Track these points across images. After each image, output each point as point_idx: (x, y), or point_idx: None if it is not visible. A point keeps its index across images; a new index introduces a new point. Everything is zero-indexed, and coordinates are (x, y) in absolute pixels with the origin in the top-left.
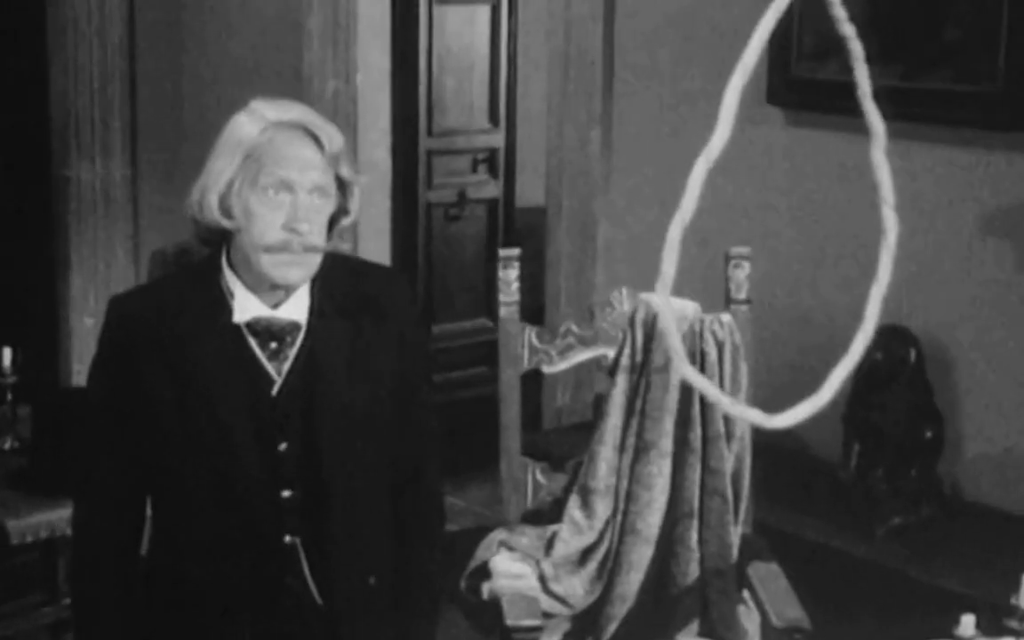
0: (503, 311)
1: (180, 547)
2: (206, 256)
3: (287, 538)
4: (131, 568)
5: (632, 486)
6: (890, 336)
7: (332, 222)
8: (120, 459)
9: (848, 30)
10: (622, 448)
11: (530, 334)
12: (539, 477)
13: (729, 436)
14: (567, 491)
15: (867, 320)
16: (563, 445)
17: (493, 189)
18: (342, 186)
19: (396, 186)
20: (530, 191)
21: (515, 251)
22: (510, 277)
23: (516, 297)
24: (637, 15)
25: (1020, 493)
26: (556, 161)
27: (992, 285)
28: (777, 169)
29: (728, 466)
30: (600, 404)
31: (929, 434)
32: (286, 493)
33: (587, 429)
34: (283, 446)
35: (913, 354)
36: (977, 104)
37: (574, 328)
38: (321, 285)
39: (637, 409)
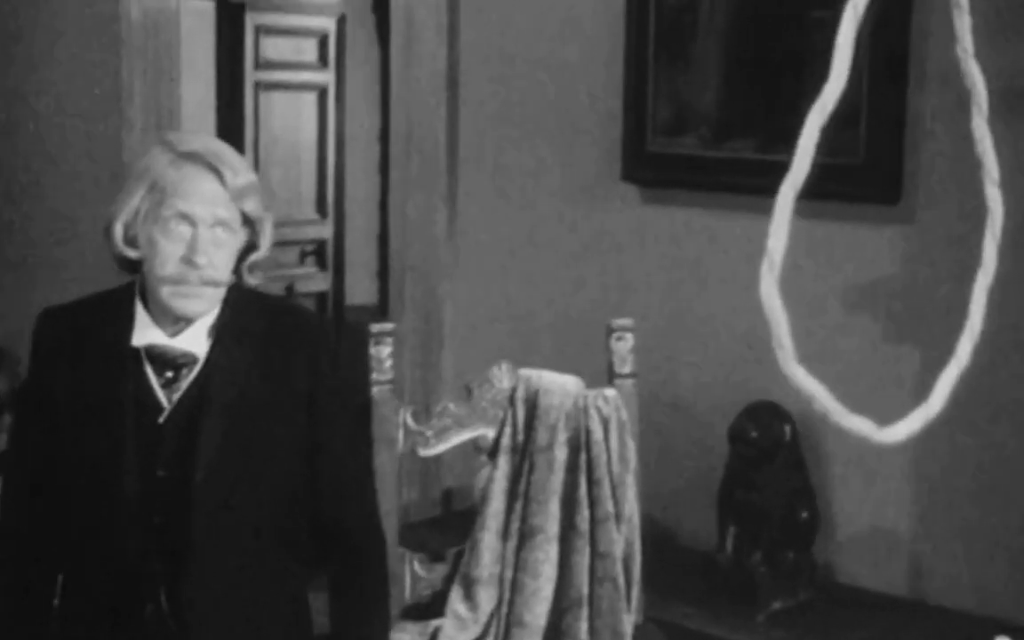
0: (376, 391)
1: (66, 567)
2: (127, 281)
3: (151, 564)
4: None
5: (517, 574)
6: (765, 413)
7: (243, 256)
8: (34, 473)
9: None
10: (506, 534)
11: (405, 415)
12: (418, 569)
13: (619, 518)
14: (448, 582)
15: (972, 318)
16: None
17: (322, 282)
18: (250, 222)
19: None
20: (358, 288)
21: (388, 325)
22: (382, 354)
23: (390, 375)
24: (481, 92)
25: (891, 573)
26: (399, 244)
27: (859, 359)
28: (636, 246)
29: (619, 550)
30: (449, 498)
31: (805, 514)
32: (157, 519)
33: (436, 525)
34: (161, 472)
35: (788, 431)
36: (839, 177)
37: (451, 407)
38: (228, 318)
39: (521, 492)
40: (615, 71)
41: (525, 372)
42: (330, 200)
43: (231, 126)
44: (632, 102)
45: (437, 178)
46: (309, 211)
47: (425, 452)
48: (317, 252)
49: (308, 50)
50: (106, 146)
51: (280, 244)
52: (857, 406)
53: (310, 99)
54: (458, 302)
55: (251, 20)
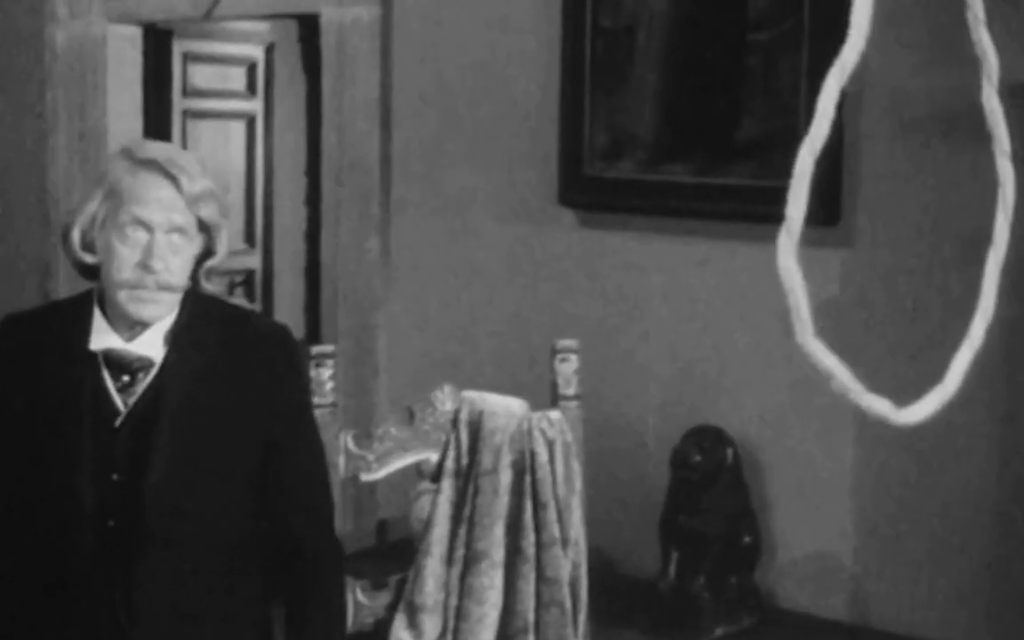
0: (316, 414)
1: (20, 569)
2: (87, 288)
3: (104, 566)
4: None
5: (462, 601)
6: (707, 437)
7: (200, 262)
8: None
9: None
10: (450, 560)
11: (346, 439)
12: (360, 597)
13: (565, 542)
14: (392, 610)
15: (985, 297)
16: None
17: None
18: (206, 228)
19: None
20: (287, 320)
21: (329, 347)
22: (323, 376)
23: (331, 398)
24: (415, 116)
25: (833, 597)
26: (331, 272)
27: (800, 385)
28: (574, 271)
29: (565, 574)
30: (384, 529)
31: (747, 539)
32: (111, 522)
33: (370, 556)
34: (115, 476)
35: (730, 455)
36: (777, 199)
37: (393, 431)
38: (185, 323)
39: (465, 517)
40: (551, 95)
41: (469, 394)
42: (259, 230)
43: None
44: (569, 126)
45: (370, 204)
46: (237, 241)
47: (367, 477)
48: (246, 282)
49: (236, 78)
50: (32, 171)
51: None
52: (797, 432)
53: (238, 128)
54: (393, 328)
55: (178, 47)
